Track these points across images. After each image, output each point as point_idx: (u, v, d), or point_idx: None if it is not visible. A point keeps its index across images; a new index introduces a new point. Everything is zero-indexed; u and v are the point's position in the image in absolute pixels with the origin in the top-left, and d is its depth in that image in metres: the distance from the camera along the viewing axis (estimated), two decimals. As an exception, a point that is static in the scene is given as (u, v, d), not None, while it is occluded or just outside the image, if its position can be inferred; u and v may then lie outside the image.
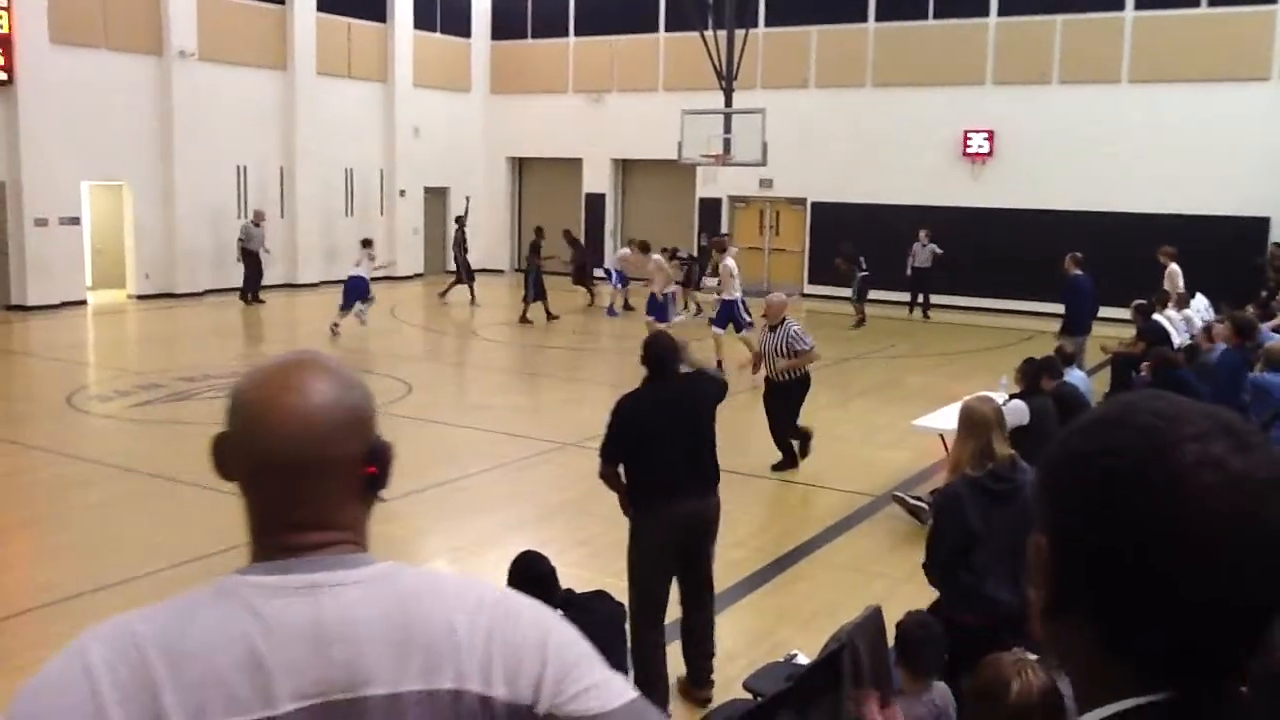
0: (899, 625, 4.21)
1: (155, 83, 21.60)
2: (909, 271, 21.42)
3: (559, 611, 1.62)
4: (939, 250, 21.12)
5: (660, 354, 5.65)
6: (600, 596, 4.60)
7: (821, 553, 8.05)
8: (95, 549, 7.83)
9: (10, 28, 19.08)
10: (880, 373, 15.81)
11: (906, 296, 22.11)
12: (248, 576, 1.34)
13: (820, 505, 9.23)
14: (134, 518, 8.55)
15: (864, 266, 20.62)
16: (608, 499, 7.75)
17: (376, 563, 1.39)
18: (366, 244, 18.97)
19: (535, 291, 19.71)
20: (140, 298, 21.49)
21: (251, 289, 21.54)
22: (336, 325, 17.32)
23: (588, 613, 4.03)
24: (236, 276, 22.27)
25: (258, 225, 21.89)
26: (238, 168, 23.25)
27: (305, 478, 1.37)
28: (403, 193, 26.84)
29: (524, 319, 19.51)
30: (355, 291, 17.72)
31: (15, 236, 19.48)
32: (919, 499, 8.60)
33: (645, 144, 25.66)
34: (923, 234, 21.38)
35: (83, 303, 20.31)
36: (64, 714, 1.24)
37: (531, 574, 4.14)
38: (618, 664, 3.81)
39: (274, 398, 1.38)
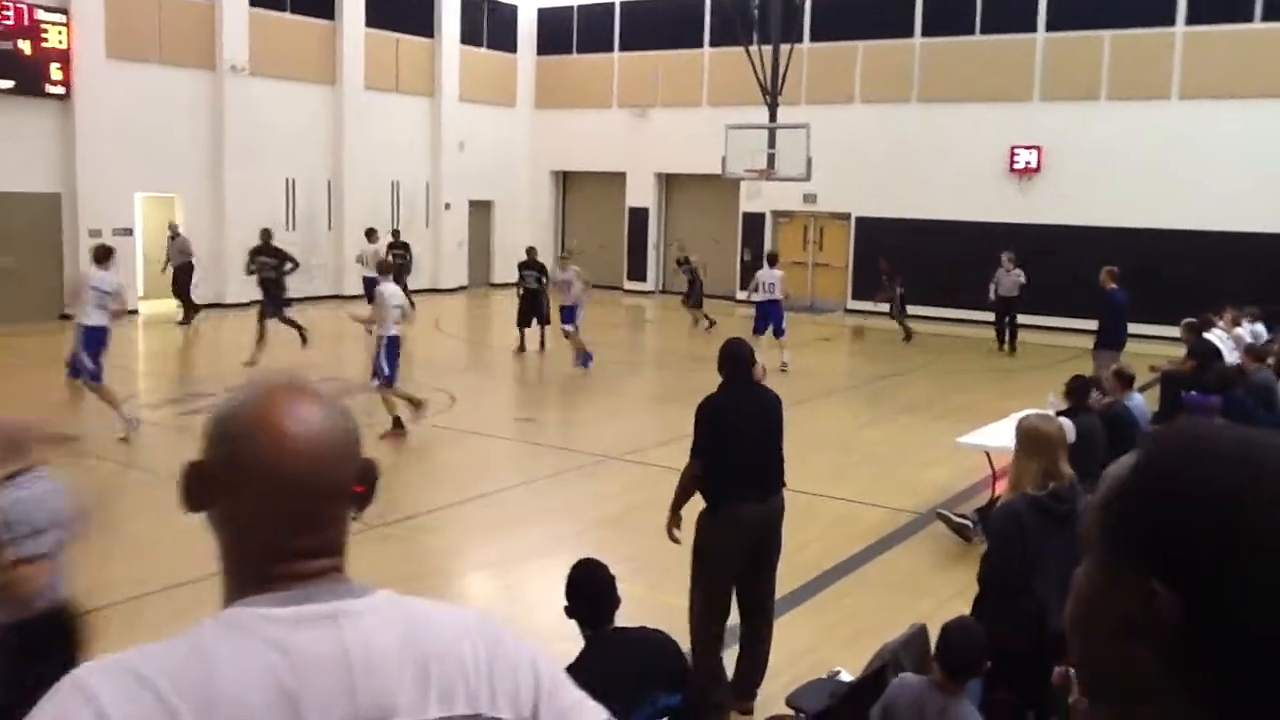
0: (943, 627, 4.17)
1: (207, 97, 21.96)
2: (992, 298, 19.28)
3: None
4: (1023, 278, 18.92)
5: (735, 358, 5.83)
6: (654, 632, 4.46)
7: (864, 570, 8.01)
8: (143, 554, 7.94)
9: (69, 43, 19.50)
10: (922, 389, 15.70)
11: (946, 313, 21.94)
12: (258, 609, 1.29)
13: (863, 522, 9.18)
14: (181, 524, 8.65)
15: (900, 282, 20.48)
16: (651, 514, 7.76)
17: (375, 590, 1.37)
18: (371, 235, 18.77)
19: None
20: (198, 307, 21.76)
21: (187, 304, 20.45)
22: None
23: (630, 645, 3.99)
24: (290, 288, 22.50)
25: (174, 239, 20.64)
26: (286, 180, 23.56)
27: (317, 504, 1.35)
28: (448, 206, 27.06)
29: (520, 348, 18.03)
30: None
31: (70, 247, 19.85)
32: (964, 517, 8.52)
33: (689, 158, 25.70)
34: (1006, 258, 19.16)
35: (134, 312, 20.61)
36: None
37: (591, 581, 4.11)
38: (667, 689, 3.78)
39: (279, 423, 1.34)
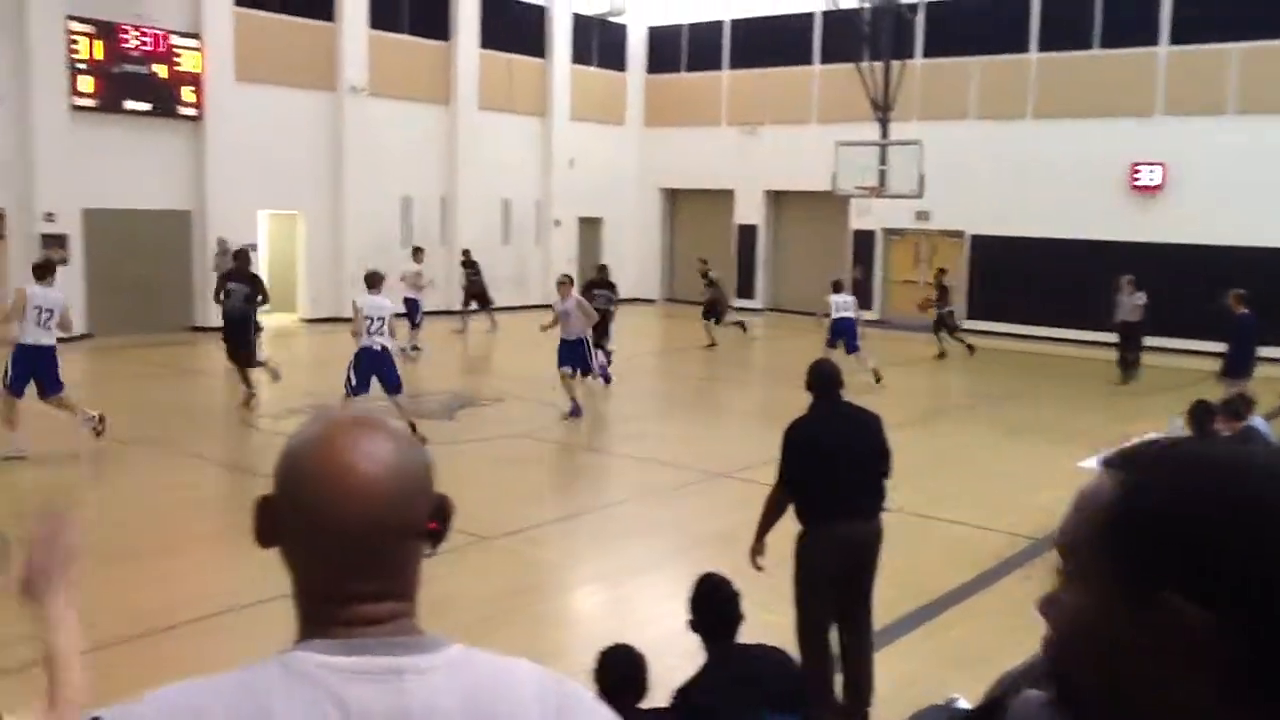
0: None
1: (328, 117, 22.66)
2: (1116, 322, 18.00)
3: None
4: (1144, 300, 17.64)
5: (823, 377, 5.78)
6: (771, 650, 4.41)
7: (979, 597, 7.82)
8: (264, 562, 8.19)
9: (201, 67, 20.33)
10: (1040, 411, 15.31)
11: (1064, 333, 21.37)
12: (320, 656, 1.25)
13: (978, 546, 8.98)
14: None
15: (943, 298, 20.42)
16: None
17: (447, 645, 1.31)
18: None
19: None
20: (309, 321, 22.48)
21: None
22: (415, 347, 18.08)
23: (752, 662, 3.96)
24: (397, 302, 23.02)
25: (221, 251, 19.78)
26: (401, 198, 24.14)
27: (378, 546, 1.29)
28: (558, 223, 27.41)
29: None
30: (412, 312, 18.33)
31: (199, 262, 20.66)
32: (1084, 543, 8.27)
33: (798, 176, 25.58)
34: (1125, 282, 17.77)
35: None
36: None
37: (715, 596, 4.09)
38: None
39: (340, 462, 1.28)
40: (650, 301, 29.08)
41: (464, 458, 10.94)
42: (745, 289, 28.02)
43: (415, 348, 18.30)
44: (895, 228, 25.33)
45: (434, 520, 1.34)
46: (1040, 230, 22.97)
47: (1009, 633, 6.96)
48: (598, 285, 17.02)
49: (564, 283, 14.30)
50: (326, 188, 22.76)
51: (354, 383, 11.70)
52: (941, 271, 21.07)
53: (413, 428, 11.02)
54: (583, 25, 27.93)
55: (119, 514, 9.29)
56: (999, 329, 23.26)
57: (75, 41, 18.80)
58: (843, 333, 16.76)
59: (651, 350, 20.31)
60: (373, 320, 11.72)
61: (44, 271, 11.09)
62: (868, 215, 25.04)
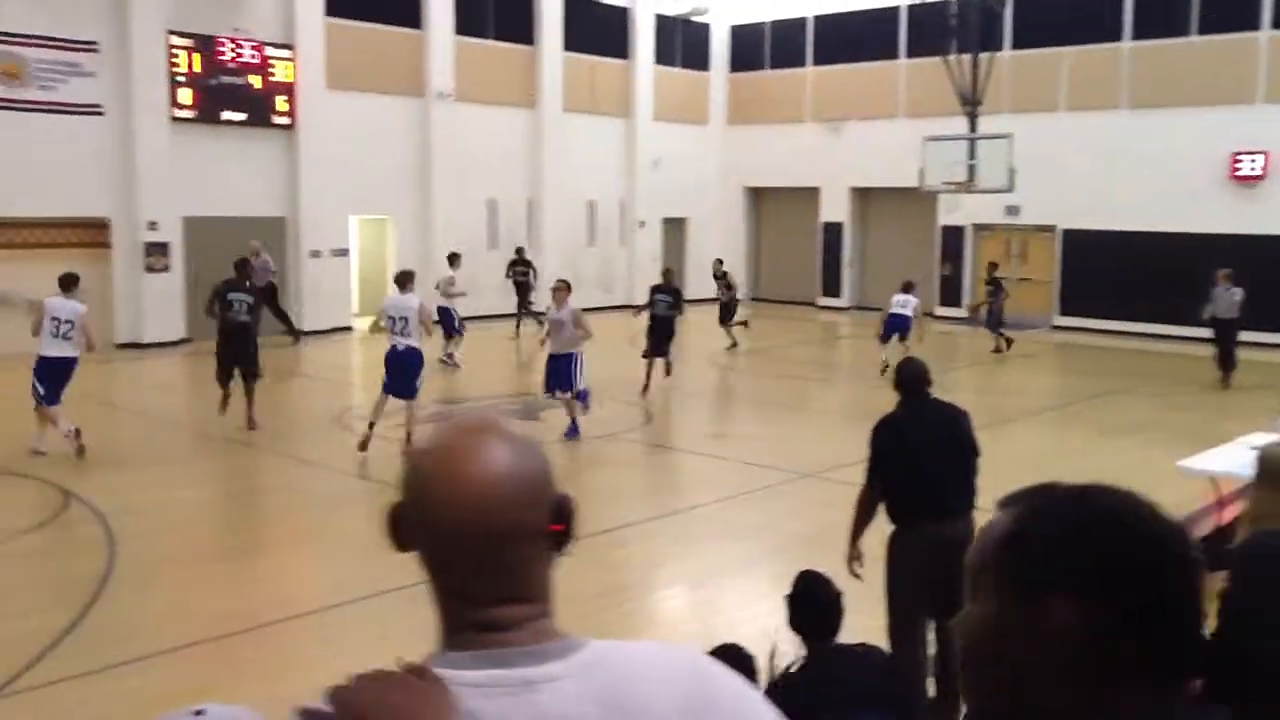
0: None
1: (416, 123, 23.05)
2: (1206, 318, 16.93)
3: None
4: (1240, 296, 16.59)
5: (912, 376, 5.80)
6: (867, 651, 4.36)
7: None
8: (356, 561, 8.38)
9: (294, 76, 20.85)
10: (1137, 409, 14.94)
11: (1160, 329, 20.79)
12: (454, 671, 1.27)
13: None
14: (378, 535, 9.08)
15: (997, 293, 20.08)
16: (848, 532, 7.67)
17: (579, 646, 1.32)
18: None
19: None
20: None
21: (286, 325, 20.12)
22: (451, 355, 17.38)
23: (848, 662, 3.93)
24: (486, 305, 23.35)
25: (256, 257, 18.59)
26: (488, 201, 24.44)
27: (498, 549, 1.31)
28: (642, 223, 27.51)
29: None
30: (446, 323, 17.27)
31: (293, 267, 21.19)
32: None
33: (884, 172, 25.30)
34: (1221, 276, 16.84)
35: (349, 328, 21.80)
36: None
37: (816, 595, 4.08)
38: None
39: (457, 467, 1.31)
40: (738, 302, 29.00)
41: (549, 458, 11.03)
42: (831, 287, 27.82)
43: (449, 357, 17.36)
44: (985, 223, 24.91)
45: (557, 522, 1.35)
46: (1135, 224, 22.39)
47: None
48: (660, 289, 15.92)
49: (560, 288, 12.60)
50: (415, 192, 23.16)
51: (386, 381, 11.65)
52: (993, 265, 20.78)
53: (408, 438, 11.19)
54: (665, 26, 27.99)
55: (213, 515, 9.58)
56: (1092, 325, 22.76)
57: (175, 55, 19.41)
58: (896, 328, 17.23)
59: (736, 349, 20.25)
60: (395, 320, 11.60)
61: (67, 283, 11.17)
62: (956, 211, 24.67)
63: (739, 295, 21.26)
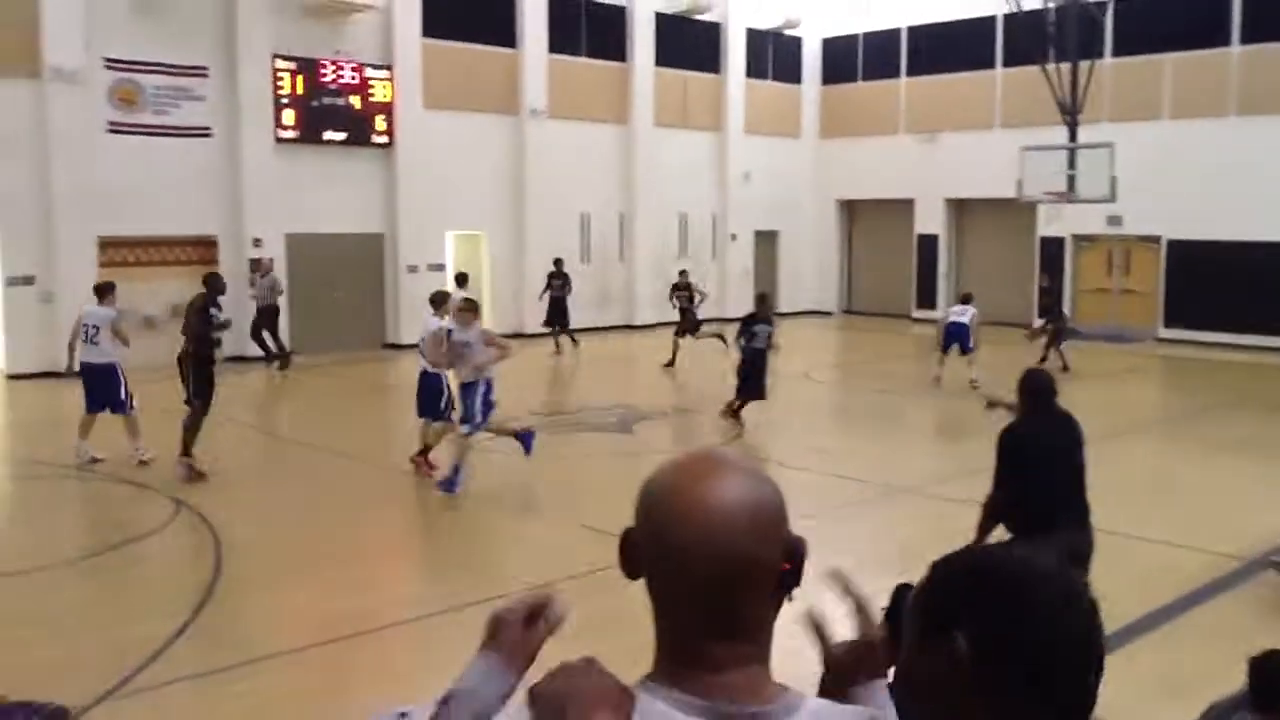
0: (1253, 660, 3.83)
1: (510, 140, 23.38)
2: None
3: None
4: None
5: (1037, 387, 5.85)
6: None
7: (1184, 619, 7.44)
8: (457, 568, 8.50)
9: (392, 96, 21.32)
10: (1247, 424, 14.44)
11: (1273, 341, 20.05)
12: (674, 712, 1.27)
13: (1182, 568, 8.53)
14: (487, 542, 9.20)
15: (1057, 310, 19.50)
16: (946, 547, 7.54)
17: (802, 700, 1.32)
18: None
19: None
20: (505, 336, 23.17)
21: (272, 351, 18.92)
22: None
23: None
24: (581, 318, 23.54)
25: (263, 276, 19.22)
26: (580, 216, 24.66)
27: (728, 582, 1.28)
28: (734, 237, 27.47)
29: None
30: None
31: (391, 282, 21.63)
32: (1300, 566, 7.78)
33: (981, 183, 24.91)
34: None
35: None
36: None
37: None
38: None
39: (695, 494, 1.29)
40: (828, 314, 28.79)
41: (647, 470, 11.07)
42: (926, 299, 27.43)
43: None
44: (1085, 234, 24.35)
45: (787, 561, 1.32)
46: (1243, 233, 21.68)
47: (1216, 661, 6.59)
48: (756, 320, 14.25)
49: (466, 308, 10.83)
50: (509, 208, 23.47)
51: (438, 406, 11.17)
52: (1047, 284, 19.98)
53: (424, 453, 11.05)
54: (756, 40, 27.97)
55: (315, 523, 9.81)
56: (1198, 338, 22.08)
57: (280, 78, 20.01)
58: (954, 337, 17.09)
59: (830, 363, 20.12)
60: (422, 342, 11.25)
61: (102, 291, 11.51)
62: (1056, 222, 24.12)
63: (698, 306, 20.08)
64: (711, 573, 1.27)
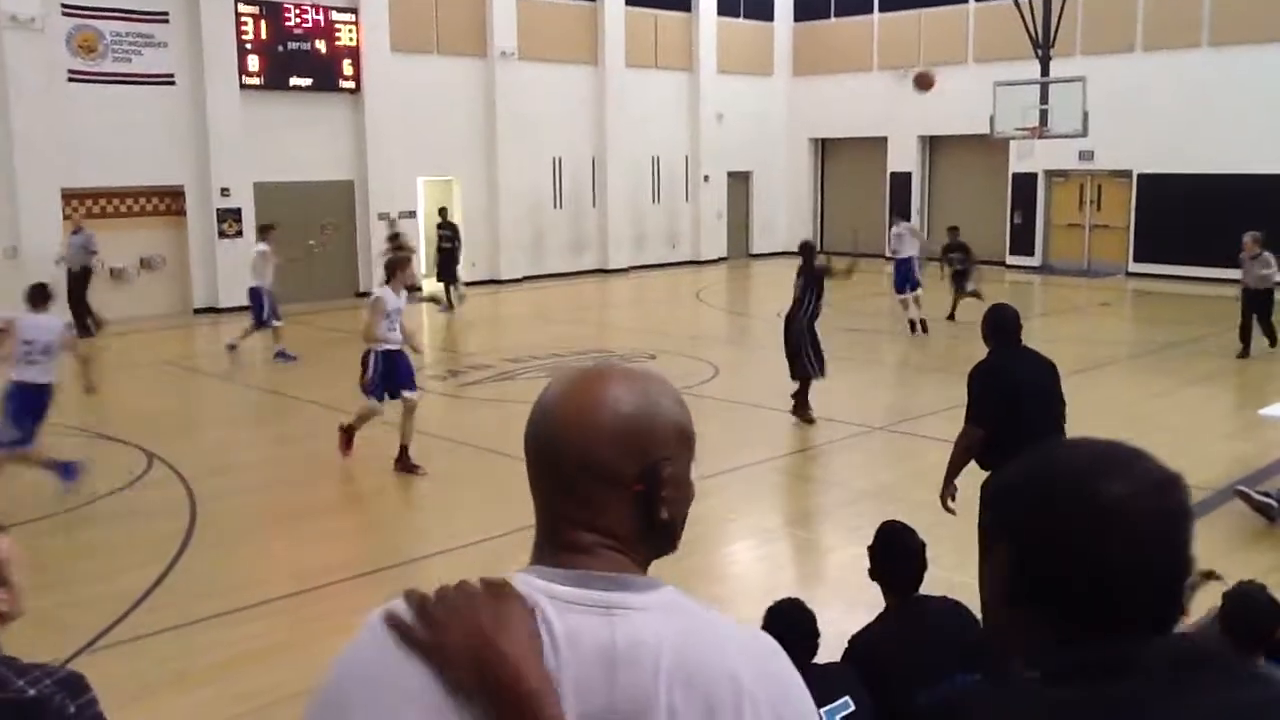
0: (1226, 594, 3.93)
1: (480, 83, 23.08)
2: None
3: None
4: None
5: (1002, 323, 5.81)
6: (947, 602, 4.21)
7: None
8: (431, 517, 8.53)
9: (358, 40, 20.98)
10: (1215, 359, 14.57)
11: (1219, 273, 20.18)
12: (543, 582, 1.33)
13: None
14: (462, 489, 9.23)
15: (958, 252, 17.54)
16: (922, 485, 7.64)
17: (660, 587, 1.35)
18: (264, 232, 14.84)
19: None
20: (468, 284, 23.05)
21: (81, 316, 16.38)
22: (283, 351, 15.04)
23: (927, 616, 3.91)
24: (553, 263, 23.48)
25: (74, 234, 17.27)
26: (553, 159, 24.45)
27: (575, 478, 1.35)
28: (706, 178, 27.33)
29: None
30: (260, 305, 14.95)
31: (362, 230, 21.44)
32: (1267, 495, 7.91)
33: (954, 119, 24.84)
34: (1250, 240, 14.88)
35: (418, 288, 22.00)
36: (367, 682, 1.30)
37: (900, 545, 3.99)
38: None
39: (565, 390, 1.39)
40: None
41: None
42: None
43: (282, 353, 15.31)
44: (1058, 169, 24.37)
45: (640, 482, 1.36)
46: (1216, 166, 21.74)
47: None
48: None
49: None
50: (480, 152, 23.24)
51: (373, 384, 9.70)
52: (953, 229, 18.82)
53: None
54: (728, -24, 27.63)
55: (290, 474, 9.80)
56: (1168, 271, 22.23)
57: (244, 23, 19.63)
58: (904, 274, 16.73)
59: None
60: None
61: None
62: (1029, 158, 24.14)
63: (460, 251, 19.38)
64: (564, 464, 1.35)
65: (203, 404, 13.49)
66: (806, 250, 11.70)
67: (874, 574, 4.02)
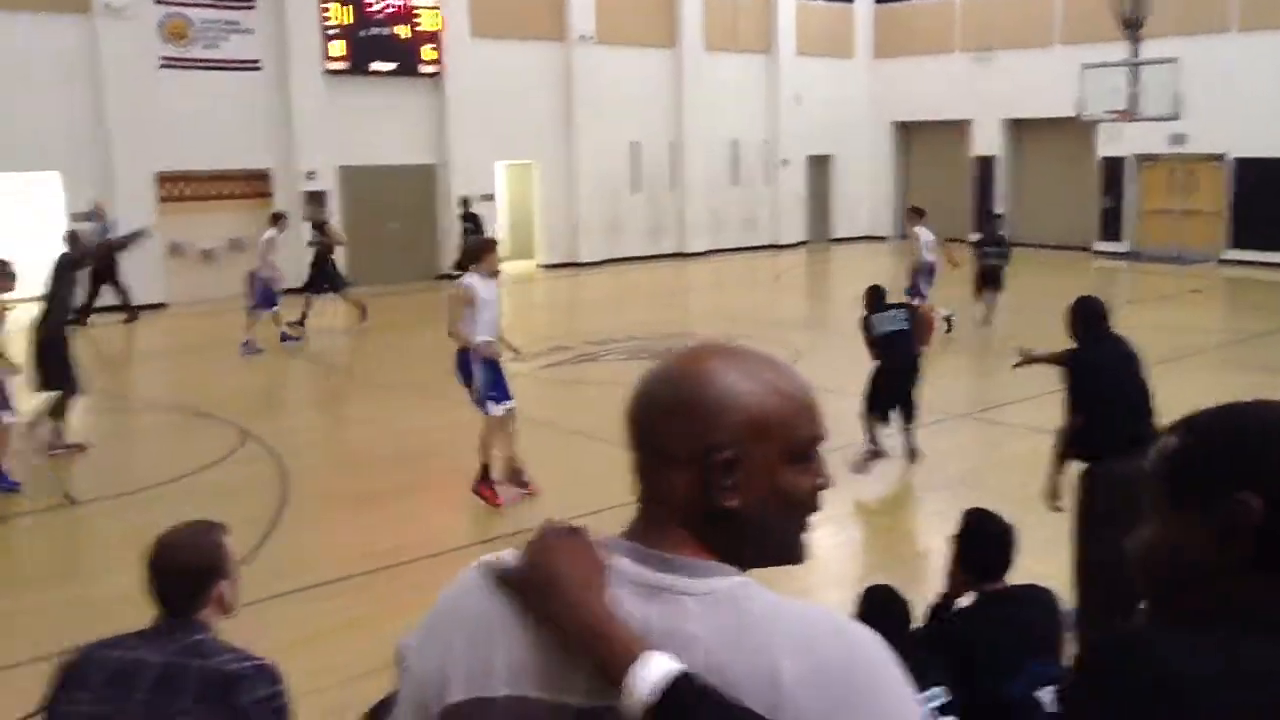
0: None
1: (559, 67, 23.16)
2: None
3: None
4: None
5: (1091, 312, 5.72)
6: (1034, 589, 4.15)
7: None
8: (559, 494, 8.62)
9: (440, 25, 21.19)
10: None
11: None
12: (623, 558, 1.32)
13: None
14: (541, 470, 9.30)
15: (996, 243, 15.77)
16: (1011, 473, 7.53)
17: (725, 575, 1.29)
18: (277, 220, 14.74)
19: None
20: (547, 267, 23.25)
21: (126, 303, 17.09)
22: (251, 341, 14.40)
23: (1017, 604, 3.86)
24: (631, 247, 23.52)
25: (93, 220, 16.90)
26: (630, 144, 24.45)
27: (638, 446, 1.35)
28: (785, 162, 27.13)
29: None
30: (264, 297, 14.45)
31: (443, 214, 21.68)
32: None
33: (1039, 102, 24.32)
34: None
35: (496, 272, 22.17)
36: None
37: (986, 533, 3.93)
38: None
39: (662, 362, 1.38)
40: (883, 239, 28.43)
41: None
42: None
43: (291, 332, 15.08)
44: (1148, 153, 23.73)
45: (693, 464, 1.29)
46: (1316, 149, 21.00)
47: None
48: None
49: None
50: (559, 136, 23.33)
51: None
52: (995, 217, 17.54)
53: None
54: (809, -42, 27.35)
55: (375, 455, 9.97)
56: (1264, 259, 21.56)
57: (326, 8, 19.95)
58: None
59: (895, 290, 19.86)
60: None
61: None
62: (1117, 141, 23.56)
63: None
64: (631, 432, 1.35)
65: (289, 383, 13.80)
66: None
67: (959, 561, 3.97)
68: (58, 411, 9.65)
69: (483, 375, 8.13)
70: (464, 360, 8.17)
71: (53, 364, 9.43)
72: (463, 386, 8.30)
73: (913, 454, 8.91)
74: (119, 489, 8.87)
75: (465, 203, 20.73)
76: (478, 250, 8.38)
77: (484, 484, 8.17)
